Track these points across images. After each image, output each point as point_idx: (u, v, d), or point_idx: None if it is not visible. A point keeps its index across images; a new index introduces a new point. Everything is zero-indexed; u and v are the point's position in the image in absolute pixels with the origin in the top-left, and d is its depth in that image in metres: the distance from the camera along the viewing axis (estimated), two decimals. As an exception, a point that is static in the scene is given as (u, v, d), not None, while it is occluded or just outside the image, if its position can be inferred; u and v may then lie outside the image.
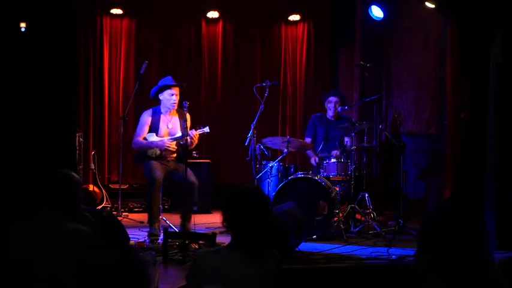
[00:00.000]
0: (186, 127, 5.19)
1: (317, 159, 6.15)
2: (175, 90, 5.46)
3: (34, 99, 4.18)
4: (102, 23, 7.62)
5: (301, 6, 7.94)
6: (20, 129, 4.12)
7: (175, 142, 5.39)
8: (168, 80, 5.54)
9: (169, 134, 5.42)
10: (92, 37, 7.52)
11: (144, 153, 5.42)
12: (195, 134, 5.32)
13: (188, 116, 5.54)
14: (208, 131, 5.40)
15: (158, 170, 5.26)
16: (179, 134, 5.39)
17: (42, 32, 4.22)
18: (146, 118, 5.51)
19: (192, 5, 7.83)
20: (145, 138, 5.45)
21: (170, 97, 5.42)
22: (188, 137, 5.28)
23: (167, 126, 5.47)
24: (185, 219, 5.26)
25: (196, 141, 5.40)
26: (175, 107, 5.45)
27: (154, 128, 5.47)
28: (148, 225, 5.26)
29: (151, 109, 5.56)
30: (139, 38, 7.79)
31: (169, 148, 5.36)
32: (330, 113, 6.41)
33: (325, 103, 6.44)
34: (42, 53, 4.22)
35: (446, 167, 5.44)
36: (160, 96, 5.48)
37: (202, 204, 6.55)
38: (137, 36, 7.78)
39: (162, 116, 5.50)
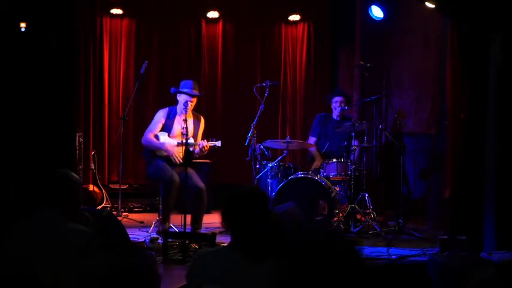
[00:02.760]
0: (187, 128, 5.07)
1: (318, 164, 6.11)
2: (193, 98, 5.43)
3: (34, 99, 4.17)
4: (102, 23, 7.62)
5: (301, 6, 7.94)
6: (20, 129, 4.12)
7: (182, 153, 5.29)
8: (189, 85, 5.46)
9: (183, 136, 5.18)
10: (92, 37, 7.52)
11: (152, 151, 5.42)
12: (205, 145, 5.28)
13: (203, 121, 5.56)
14: (220, 145, 5.34)
15: (170, 168, 5.27)
16: (191, 140, 5.29)
17: (42, 32, 4.22)
18: (160, 117, 5.49)
19: (192, 5, 7.83)
20: (156, 136, 5.43)
21: (185, 102, 5.37)
22: (198, 146, 5.29)
23: (181, 127, 5.29)
24: (196, 225, 5.27)
25: (205, 152, 5.39)
26: (188, 112, 5.35)
27: (167, 128, 5.44)
28: (152, 224, 5.36)
29: (167, 108, 5.53)
30: (139, 38, 7.79)
31: (176, 158, 5.32)
32: (336, 113, 6.40)
33: (331, 103, 6.42)
34: (42, 53, 4.22)
35: (446, 167, 5.42)
36: (178, 97, 5.46)
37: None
38: (137, 36, 7.78)
39: (177, 116, 5.46)
